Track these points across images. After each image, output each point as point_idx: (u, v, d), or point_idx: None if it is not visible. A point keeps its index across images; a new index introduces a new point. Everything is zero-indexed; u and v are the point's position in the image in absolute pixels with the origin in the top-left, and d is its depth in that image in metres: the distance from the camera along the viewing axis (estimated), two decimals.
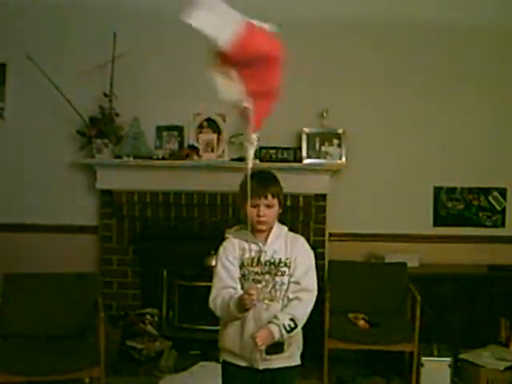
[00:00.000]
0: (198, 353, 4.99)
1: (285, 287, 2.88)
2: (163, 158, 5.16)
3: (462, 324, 5.05)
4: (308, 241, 3.06)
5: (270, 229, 2.93)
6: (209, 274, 3.04)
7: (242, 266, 2.88)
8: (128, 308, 5.29)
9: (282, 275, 2.88)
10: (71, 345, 4.13)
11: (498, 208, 5.46)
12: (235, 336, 2.88)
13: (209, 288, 2.92)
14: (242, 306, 2.70)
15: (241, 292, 2.82)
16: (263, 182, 2.90)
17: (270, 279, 2.87)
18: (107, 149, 5.13)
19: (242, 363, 2.92)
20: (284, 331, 2.79)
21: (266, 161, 5.08)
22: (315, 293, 2.91)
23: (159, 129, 5.29)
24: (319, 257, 4.90)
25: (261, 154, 5.12)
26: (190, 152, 5.16)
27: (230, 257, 2.89)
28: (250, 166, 2.64)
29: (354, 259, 5.19)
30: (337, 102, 5.22)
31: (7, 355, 3.94)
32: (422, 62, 5.34)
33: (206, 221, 5.31)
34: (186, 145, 5.26)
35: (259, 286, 2.85)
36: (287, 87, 5.42)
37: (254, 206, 2.86)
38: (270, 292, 2.86)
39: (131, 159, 5.14)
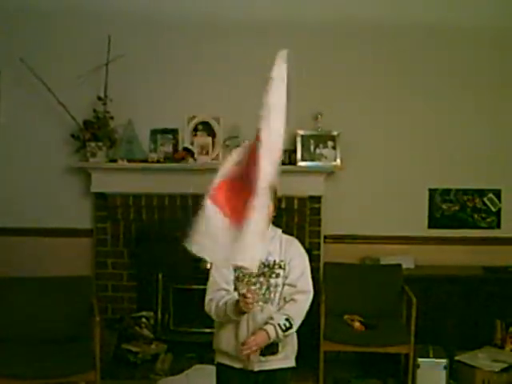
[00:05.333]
0: (193, 356, 4.98)
1: (279, 289, 2.89)
2: (158, 161, 5.15)
3: (458, 326, 5.05)
4: (303, 243, 3.07)
5: None
6: (203, 277, 3.05)
7: (236, 268, 2.89)
8: (123, 311, 5.29)
9: (277, 277, 2.89)
10: (66, 348, 4.12)
11: (493, 209, 5.46)
12: (230, 338, 2.89)
13: (204, 291, 2.93)
14: (239, 309, 2.71)
15: (234, 294, 2.84)
16: None
17: (265, 281, 2.88)
18: (101, 152, 5.12)
19: (237, 365, 2.93)
20: (280, 331, 2.80)
21: None
22: (311, 294, 2.93)
23: (154, 132, 5.29)
24: (314, 259, 4.91)
25: None
26: (184, 155, 5.15)
27: None
28: None
29: (349, 261, 5.18)
30: (331, 104, 5.22)
31: (2, 359, 3.92)
32: (417, 64, 5.34)
33: None
34: (180, 148, 5.25)
35: (253, 287, 2.86)
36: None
37: None
38: (264, 294, 2.87)
39: (126, 162, 5.13)
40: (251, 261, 2.46)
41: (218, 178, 2.61)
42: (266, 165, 2.47)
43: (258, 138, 2.50)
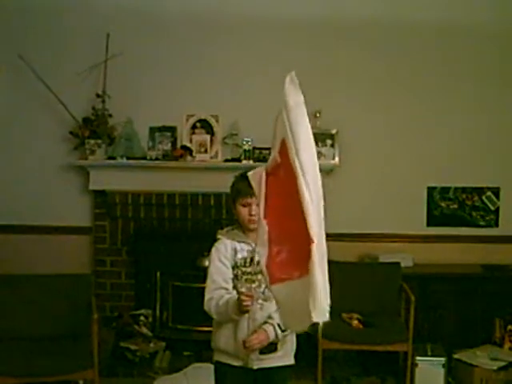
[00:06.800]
0: (191, 354, 4.99)
1: None
2: (156, 159, 5.15)
3: (456, 324, 5.05)
4: None
5: None
6: (202, 274, 3.04)
7: (234, 266, 2.89)
8: (122, 309, 5.28)
9: None
10: (65, 346, 4.11)
11: (492, 208, 5.46)
12: (229, 336, 2.88)
13: (202, 289, 2.92)
14: (239, 308, 2.70)
15: (233, 292, 2.83)
16: None
17: (263, 279, 2.86)
18: (100, 149, 5.11)
19: (236, 363, 2.92)
20: (279, 330, 2.80)
21: (260, 161, 5.06)
22: None
23: (152, 129, 5.27)
24: None
25: (254, 154, 5.12)
26: (183, 153, 5.14)
27: (222, 258, 2.89)
28: None
29: (347, 259, 5.17)
30: (330, 102, 5.21)
31: (0, 357, 3.92)
32: (416, 63, 5.33)
33: (200, 221, 5.30)
34: (179, 146, 5.24)
35: (253, 285, 2.85)
36: (280, 87, 5.41)
37: (245, 206, 2.87)
38: (263, 292, 2.86)
39: (124, 160, 5.12)
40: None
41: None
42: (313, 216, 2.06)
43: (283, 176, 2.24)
